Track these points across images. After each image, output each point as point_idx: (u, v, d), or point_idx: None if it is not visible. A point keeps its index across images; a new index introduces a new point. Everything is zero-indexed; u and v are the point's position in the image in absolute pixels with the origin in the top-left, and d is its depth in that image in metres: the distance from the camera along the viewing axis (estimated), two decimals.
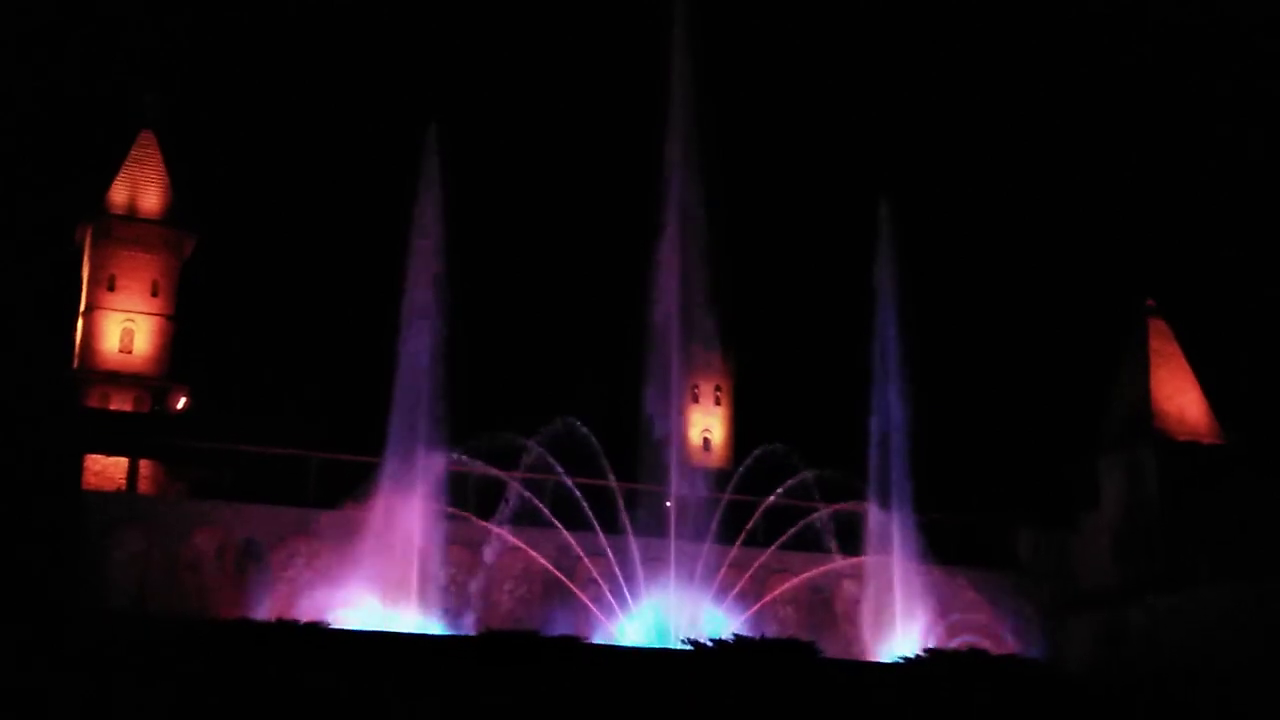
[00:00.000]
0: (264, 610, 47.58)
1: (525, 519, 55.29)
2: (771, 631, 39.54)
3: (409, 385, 48.95)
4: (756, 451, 55.52)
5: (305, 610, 43.22)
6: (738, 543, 59.16)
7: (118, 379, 70.50)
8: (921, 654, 40.32)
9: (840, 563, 56.68)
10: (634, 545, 54.71)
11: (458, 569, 52.74)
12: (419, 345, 48.92)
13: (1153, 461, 64.00)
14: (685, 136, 52.40)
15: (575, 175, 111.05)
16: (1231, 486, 60.80)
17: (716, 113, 55.14)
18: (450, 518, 51.66)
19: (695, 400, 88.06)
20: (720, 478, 66.79)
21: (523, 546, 54.30)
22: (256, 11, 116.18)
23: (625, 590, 55.05)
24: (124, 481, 59.14)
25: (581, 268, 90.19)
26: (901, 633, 52.86)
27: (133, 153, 75.71)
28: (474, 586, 50.21)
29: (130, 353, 71.71)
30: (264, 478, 57.22)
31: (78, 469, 56.82)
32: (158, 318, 72.78)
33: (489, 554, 51.68)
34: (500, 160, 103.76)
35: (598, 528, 59.18)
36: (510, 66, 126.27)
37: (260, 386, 73.74)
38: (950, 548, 61.20)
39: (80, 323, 72.57)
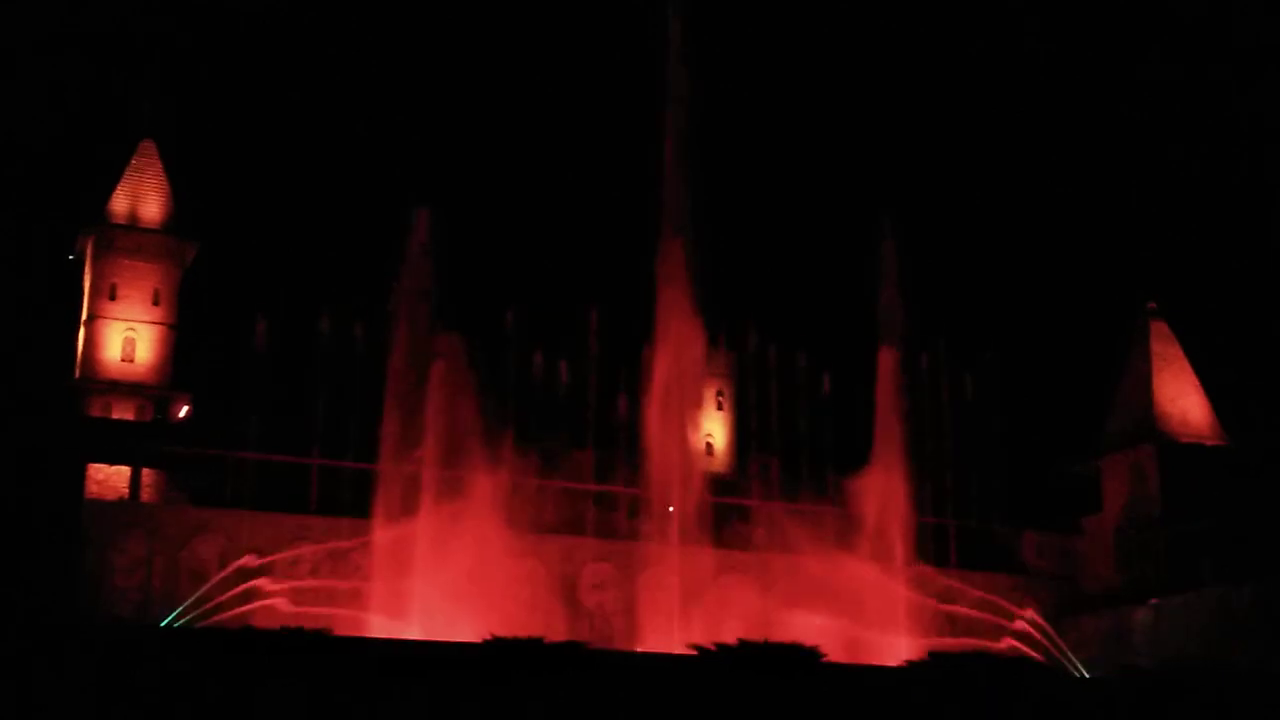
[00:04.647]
0: (267, 617, 47.52)
1: (530, 524, 55.33)
2: (775, 636, 39.44)
3: (405, 392, 49.20)
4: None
5: (311, 617, 43.26)
6: (741, 547, 59.23)
7: (119, 388, 70.51)
8: (926, 657, 40.26)
9: (844, 566, 56.62)
10: (638, 550, 54.72)
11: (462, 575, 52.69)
12: (414, 350, 49.15)
13: (1155, 463, 64.01)
14: (683, 143, 52.62)
15: (574, 175, 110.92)
16: (1234, 487, 60.79)
17: (715, 121, 55.38)
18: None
19: (698, 404, 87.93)
20: (723, 482, 66.88)
21: (527, 552, 54.33)
22: (257, 19, 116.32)
23: (630, 595, 55.05)
24: (126, 490, 59.18)
25: (581, 273, 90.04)
26: (906, 635, 52.87)
27: (133, 162, 75.72)
28: (478, 593, 50.12)
29: (132, 362, 71.73)
30: (266, 485, 57.25)
31: (80, 478, 56.82)
32: (159, 326, 72.78)
33: (493, 559, 51.66)
34: (496, 169, 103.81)
35: (602, 533, 59.23)
36: (507, 75, 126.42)
37: (261, 394, 73.61)
38: (954, 550, 61.26)
39: (82, 332, 72.57)
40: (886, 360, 56.34)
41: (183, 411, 70.92)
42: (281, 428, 60.76)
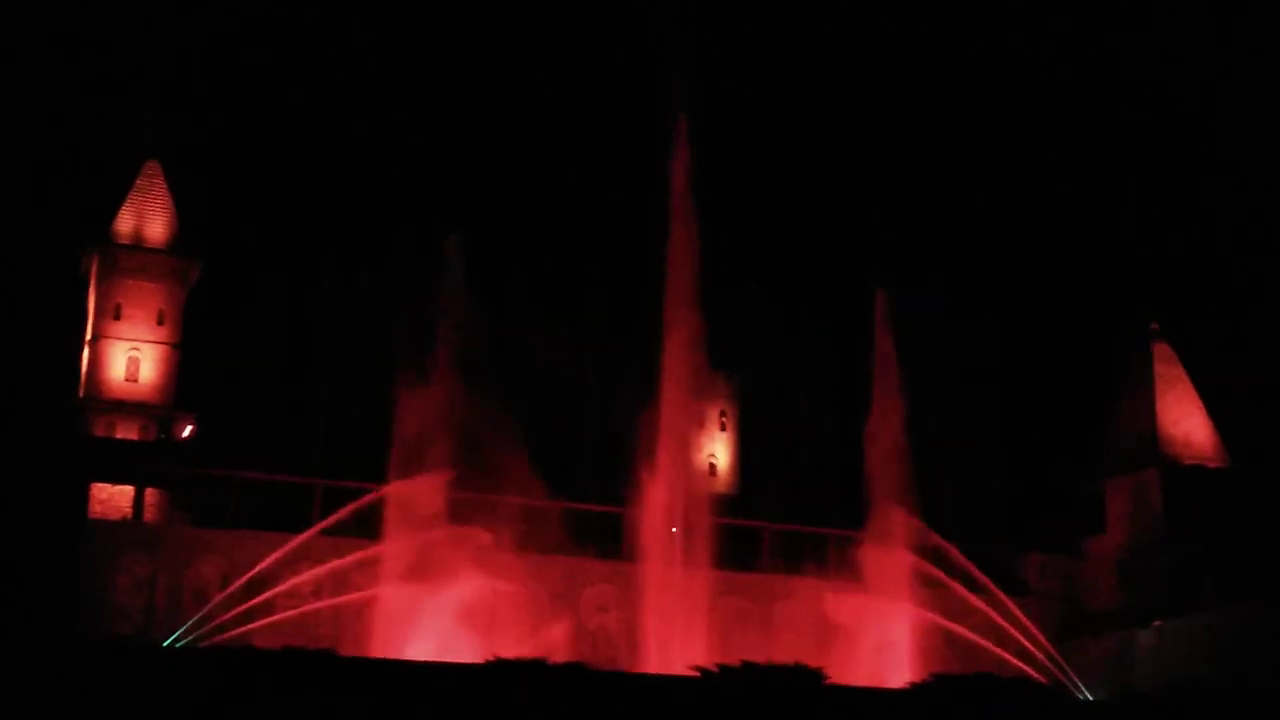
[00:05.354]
0: (269, 637, 47.51)
1: (533, 545, 55.35)
2: (778, 657, 39.42)
3: (414, 414, 49.45)
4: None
5: (315, 638, 43.28)
6: (744, 568, 59.22)
7: (123, 408, 70.56)
8: (929, 679, 40.18)
9: (845, 587, 56.53)
10: (641, 571, 54.66)
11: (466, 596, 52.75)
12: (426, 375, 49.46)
13: (1159, 486, 64.02)
14: (686, 161, 52.85)
15: (577, 179, 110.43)
16: (1237, 509, 60.79)
17: (719, 139, 55.57)
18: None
19: (700, 425, 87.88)
20: (726, 503, 66.86)
21: (530, 573, 54.33)
22: (264, 37, 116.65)
23: (633, 617, 54.91)
24: (130, 510, 59.23)
25: (586, 287, 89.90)
26: (908, 657, 52.75)
27: (138, 182, 75.94)
28: (481, 613, 50.15)
29: (136, 381, 71.80)
30: (268, 505, 57.32)
31: (84, 497, 56.93)
32: (163, 346, 72.88)
33: (497, 580, 51.69)
34: (505, 182, 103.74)
35: (604, 554, 59.24)
36: (504, 83, 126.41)
37: (265, 414, 73.73)
38: (956, 572, 61.15)
39: (86, 352, 72.68)
40: (886, 375, 56.33)
41: (186, 431, 70.99)
42: (285, 448, 60.91)
